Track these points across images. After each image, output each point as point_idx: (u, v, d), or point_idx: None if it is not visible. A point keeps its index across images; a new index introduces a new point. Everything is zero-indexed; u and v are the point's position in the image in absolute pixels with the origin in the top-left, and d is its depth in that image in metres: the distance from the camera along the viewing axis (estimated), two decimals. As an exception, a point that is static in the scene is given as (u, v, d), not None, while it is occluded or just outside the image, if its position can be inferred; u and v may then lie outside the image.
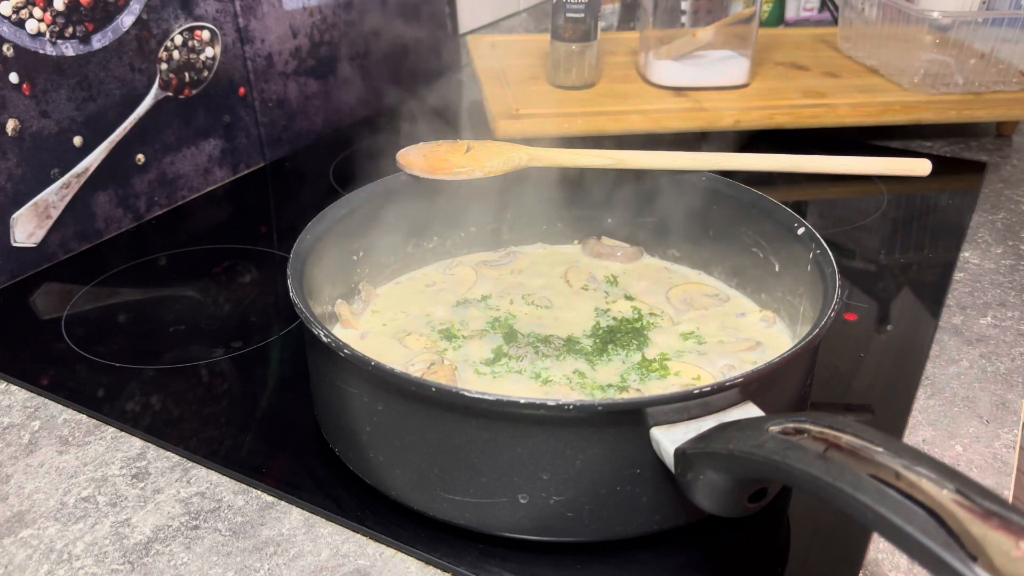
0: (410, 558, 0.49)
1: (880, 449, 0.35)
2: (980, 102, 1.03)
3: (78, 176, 0.81)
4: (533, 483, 0.46)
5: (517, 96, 1.03)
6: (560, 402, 0.43)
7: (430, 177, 0.66)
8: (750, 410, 0.45)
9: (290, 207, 0.93)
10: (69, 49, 0.78)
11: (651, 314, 0.65)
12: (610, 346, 0.60)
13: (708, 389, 0.44)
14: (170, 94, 0.88)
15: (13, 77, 0.74)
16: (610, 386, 0.56)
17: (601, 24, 1.06)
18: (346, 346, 0.47)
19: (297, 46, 1.02)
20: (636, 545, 0.49)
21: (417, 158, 0.67)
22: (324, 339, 0.48)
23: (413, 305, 0.67)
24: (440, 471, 0.47)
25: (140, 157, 0.86)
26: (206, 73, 0.92)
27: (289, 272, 0.54)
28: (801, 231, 0.60)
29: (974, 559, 0.29)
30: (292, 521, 0.52)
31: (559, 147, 0.68)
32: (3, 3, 0.72)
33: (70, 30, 0.78)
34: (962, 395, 0.63)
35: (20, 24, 0.74)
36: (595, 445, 0.45)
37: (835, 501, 0.34)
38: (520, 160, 0.67)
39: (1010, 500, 0.44)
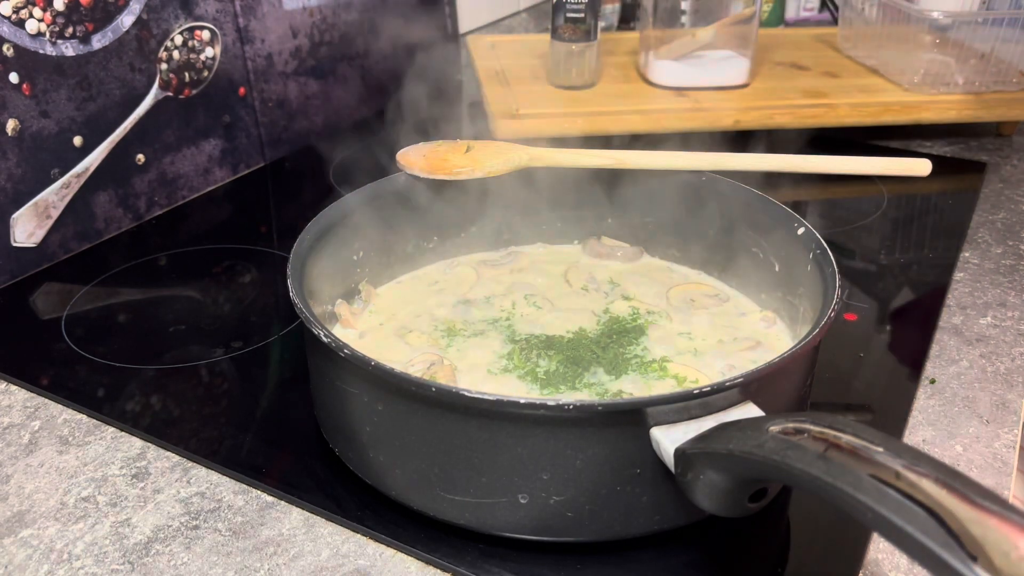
0: (410, 558, 0.49)
1: (880, 449, 0.35)
2: (980, 102, 1.03)
3: (78, 176, 0.81)
4: (533, 483, 0.46)
5: (517, 96, 1.03)
6: (560, 402, 0.43)
7: (430, 177, 0.66)
8: (750, 410, 0.45)
9: (290, 207, 0.93)
10: (69, 49, 0.78)
11: (651, 314, 0.65)
12: (610, 346, 0.60)
13: (708, 389, 0.44)
14: (170, 94, 0.88)
15: (13, 77, 0.74)
16: (610, 387, 0.56)
17: (601, 24, 1.06)
18: (346, 346, 0.47)
19: (297, 46, 1.02)
20: (636, 545, 0.49)
21: (417, 158, 0.67)
22: (324, 339, 0.48)
23: (413, 305, 0.67)
24: (440, 471, 0.47)
25: (140, 157, 0.86)
26: (206, 73, 0.92)
27: (289, 272, 0.54)
28: (801, 231, 0.60)
29: (974, 559, 0.29)
30: (292, 521, 0.52)
31: (559, 147, 0.68)
32: (3, 3, 0.72)
33: (70, 30, 0.78)
34: (962, 395, 0.63)
35: (20, 24, 0.74)
36: (595, 445, 0.45)
37: (835, 501, 0.34)
38: (520, 160, 0.67)
39: (1010, 500, 0.44)
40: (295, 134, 1.04)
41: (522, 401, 0.44)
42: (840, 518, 0.51)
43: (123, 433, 0.59)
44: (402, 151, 0.68)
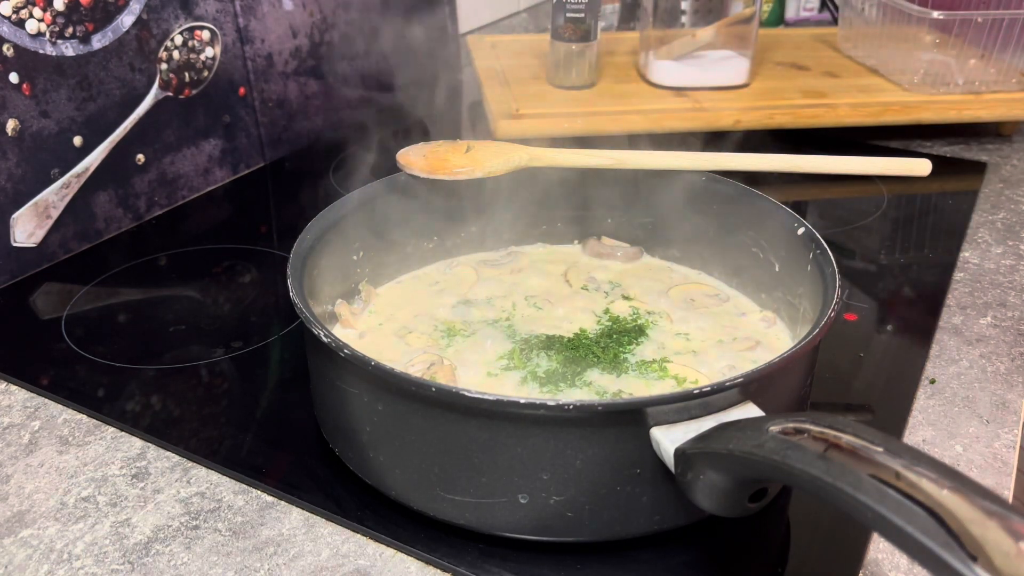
0: (410, 558, 0.49)
1: (880, 449, 0.35)
2: (980, 102, 1.03)
3: (78, 176, 0.81)
4: (533, 483, 0.46)
5: (517, 96, 1.03)
6: (560, 402, 0.43)
7: (430, 177, 0.66)
8: (750, 410, 0.45)
9: (290, 207, 0.93)
10: (69, 49, 0.78)
11: (651, 314, 0.65)
12: (610, 346, 0.60)
13: (708, 389, 0.44)
14: (170, 94, 0.88)
15: (13, 77, 0.74)
16: (610, 387, 0.56)
17: (601, 24, 1.06)
18: (346, 346, 0.47)
19: (297, 46, 1.02)
20: (636, 545, 0.49)
21: (417, 158, 0.67)
22: (324, 339, 0.48)
23: (413, 305, 0.67)
24: (440, 471, 0.47)
25: (140, 157, 0.86)
26: (206, 73, 0.92)
27: (289, 272, 0.54)
28: (801, 231, 0.60)
29: (974, 559, 0.29)
30: (292, 521, 0.52)
31: (559, 147, 0.68)
32: (3, 3, 0.72)
33: (70, 30, 0.78)
34: (962, 395, 0.63)
35: (20, 24, 0.74)
36: (595, 445, 0.45)
37: (835, 501, 0.34)
38: (520, 160, 0.67)
39: (1010, 500, 0.44)
40: (295, 134, 1.04)
41: (522, 401, 0.44)
42: (840, 518, 0.51)
43: (123, 433, 0.59)
44: (402, 151, 0.68)
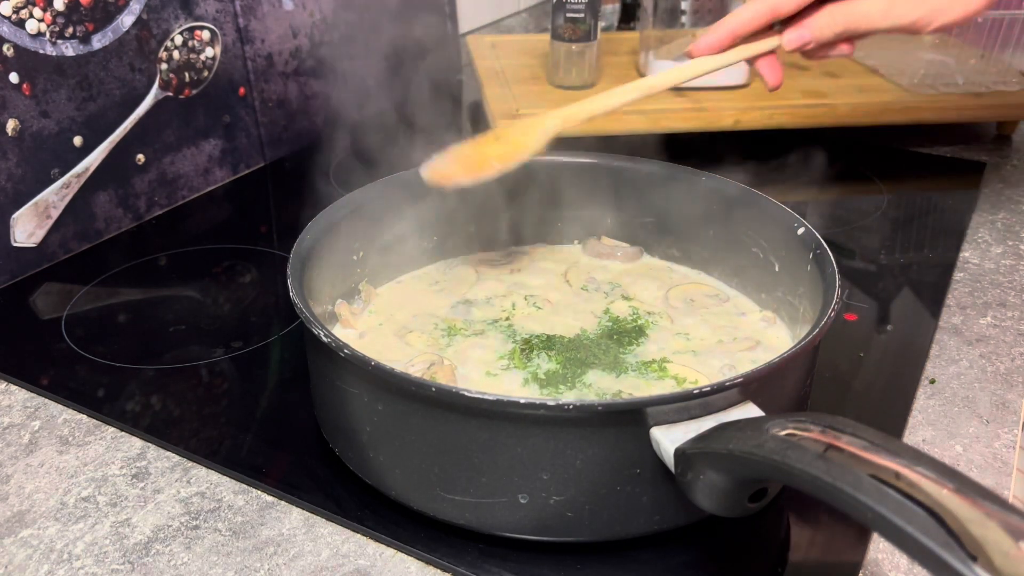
0: (410, 558, 0.49)
1: (880, 449, 0.35)
2: (980, 102, 1.03)
3: (78, 176, 0.81)
4: (533, 483, 0.46)
5: (517, 96, 1.03)
6: (560, 402, 0.43)
7: (477, 182, 0.61)
8: (750, 410, 0.45)
9: (290, 207, 0.93)
10: (69, 49, 0.78)
11: (651, 314, 0.65)
12: (610, 346, 0.60)
13: (708, 389, 0.44)
14: (170, 94, 0.88)
15: (13, 77, 0.74)
16: (610, 387, 0.56)
17: (601, 24, 1.06)
18: (346, 346, 0.47)
19: (297, 46, 1.02)
20: (636, 545, 0.49)
21: (450, 167, 0.62)
22: (324, 339, 0.48)
23: (413, 305, 0.67)
24: (440, 471, 0.47)
25: (140, 157, 0.86)
26: (206, 73, 0.92)
27: (289, 272, 0.54)
28: (801, 231, 0.60)
29: (974, 559, 0.29)
30: (292, 521, 0.52)
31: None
32: (3, 3, 0.72)
33: (70, 30, 0.78)
34: (962, 395, 0.63)
35: (20, 24, 0.74)
36: (595, 445, 0.45)
37: (835, 501, 0.34)
38: (555, 126, 0.62)
39: (1010, 500, 0.44)
40: (295, 134, 1.04)
41: (522, 401, 0.44)
42: (840, 518, 0.51)
43: (123, 433, 0.59)
44: (426, 168, 0.62)
